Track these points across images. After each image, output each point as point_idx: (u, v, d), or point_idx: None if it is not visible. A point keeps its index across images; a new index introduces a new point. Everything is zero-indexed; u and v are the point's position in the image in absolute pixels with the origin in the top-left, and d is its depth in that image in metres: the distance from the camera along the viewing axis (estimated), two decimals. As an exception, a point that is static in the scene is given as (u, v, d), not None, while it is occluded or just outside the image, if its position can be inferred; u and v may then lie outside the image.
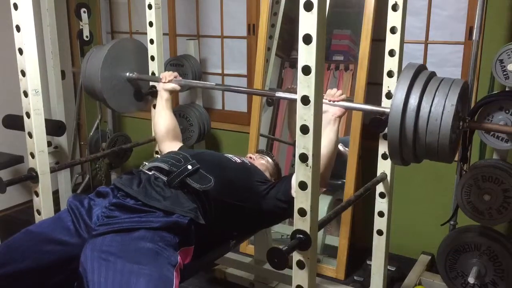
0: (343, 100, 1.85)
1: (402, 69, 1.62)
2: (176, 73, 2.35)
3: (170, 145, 2.18)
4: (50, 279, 1.56)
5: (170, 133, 2.24)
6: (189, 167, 1.73)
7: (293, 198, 1.74)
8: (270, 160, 2.18)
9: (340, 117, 1.84)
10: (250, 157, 2.16)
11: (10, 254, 1.55)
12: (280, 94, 2.00)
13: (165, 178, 1.71)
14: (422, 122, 1.51)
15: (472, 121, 1.67)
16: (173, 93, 2.34)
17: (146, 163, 1.83)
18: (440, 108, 1.49)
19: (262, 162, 2.12)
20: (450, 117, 1.48)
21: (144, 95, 2.54)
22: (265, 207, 1.84)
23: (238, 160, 1.98)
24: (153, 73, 2.54)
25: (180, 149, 2.07)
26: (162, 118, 2.26)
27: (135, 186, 1.67)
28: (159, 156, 1.94)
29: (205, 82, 2.40)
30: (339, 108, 1.82)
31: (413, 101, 1.52)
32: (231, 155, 2.01)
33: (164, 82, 2.30)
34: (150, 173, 1.75)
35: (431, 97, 1.51)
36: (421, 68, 1.62)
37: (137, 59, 2.49)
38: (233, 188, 1.80)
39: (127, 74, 2.42)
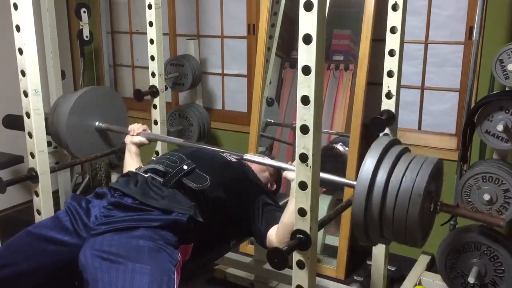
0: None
1: (372, 144, 1.51)
2: (145, 126, 2.23)
3: None
4: (50, 279, 1.56)
5: None
6: (185, 167, 1.73)
7: (265, 244, 1.74)
8: (270, 160, 2.18)
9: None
10: (248, 159, 2.15)
11: (10, 255, 1.55)
12: (247, 156, 1.88)
13: (161, 180, 1.71)
14: (388, 207, 1.40)
15: (445, 205, 1.53)
16: (141, 146, 2.19)
17: (142, 166, 1.84)
18: (407, 195, 1.37)
19: (260, 163, 2.12)
20: (417, 207, 1.36)
21: (144, 95, 2.54)
22: (251, 221, 1.80)
23: (234, 159, 1.98)
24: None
25: (175, 149, 2.07)
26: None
27: (132, 186, 1.68)
28: (154, 158, 1.93)
29: (175, 138, 2.28)
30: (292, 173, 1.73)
31: (379, 184, 1.40)
32: (227, 154, 2.00)
33: (132, 135, 2.18)
34: (146, 175, 1.75)
35: (398, 181, 1.39)
36: (393, 143, 1.51)
37: (108, 108, 2.39)
38: (229, 188, 1.81)
39: (96, 123, 2.33)
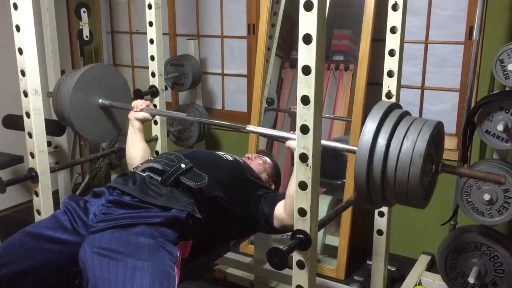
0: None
1: (372, 108, 1.51)
2: (148, 102, 2.23)
3: None
4: (50, 278, 1.56)
5: (142, 160, 2.08)
6: (183, 165, 1.74)
7: (272, 225, 1.77)
8: (268, 160, 2.18)
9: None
10: (248, 157, 2.16)
11: (9, 255, 1.54)
12: (250, 128, 1.90)
13: (159, 178, 1.72)
14: (390, 169, 1.40)
15: (446, 165, 1.52)
16: (144, 122, 2.20)
17: (140, 165, 1.84)
18: (408, 157, 1.38)
19: (259, 162, 2.12)
20: (418, 168, 1.36)
21: (144, 95, 2.53)
22: (253, 212, 1.82)
23: (230, 158, 1.99)
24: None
25: (173, 150, 2.07)
26: (135, 149, 2.11)
27: (131, 184, 1.69)
28: (152, 158, 1.94)
29: (178, 113, 2.29)
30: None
31: (380, 147, 1.40)
32: (223, 153, 2.02)
33: (136, 111, 2.18)
34: (144, 174, 1.75)
35: (399, 143, 1.40)
36: (392, 107, 1.51)
37: (110, 85, 2.37)
38: (227, 185, 1.81)
39: (100, 100, 2.31)
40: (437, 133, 1.46)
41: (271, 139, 3.09)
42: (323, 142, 1.51)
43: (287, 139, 1.74)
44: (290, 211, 1.66)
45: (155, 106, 2.55)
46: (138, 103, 2.19)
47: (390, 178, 1.41)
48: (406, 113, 1.52)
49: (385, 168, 1.40)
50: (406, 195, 1.42)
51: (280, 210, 1.75)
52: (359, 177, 1.44)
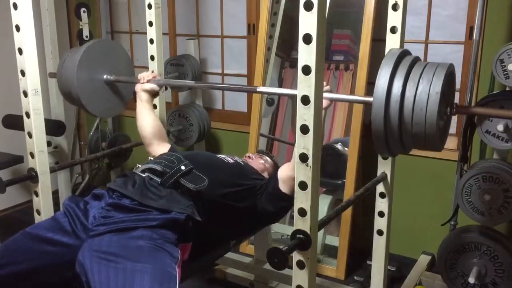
0: (327, 91, 1.80)
1: (385, 56, 1.54)
2: (155, 73, 2.24)
3: (158, 148, 2.12)
4: (48, 280, 1.55)
5: (156, 135, 2.14)
6: (183, 167, 1.74)
7: (281, 191, 1.79)
8: (269, 160, 2.18)
9: (325, 109, 1.84)
10: (249, 157, 2.16)
11: (8, 255, 1.54)
12: (261, 89, 1.89)
13: (159, 180, 1.71)
14: (407, 111, 1.42)
15: (460, 106, 1.54)
16: (152, 93, 2.21)
17: (140, 166, 1.84)
18: (424, 96, 1.40)
19: (260, 162, 2.12)
20: (435, 106, 1.39)
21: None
22: (259, 206, 1.84)
23: (231, 160, 1.98)
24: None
25: (171, 150, 2.07)
26: (146, 121, 2.15)
27: (130, 187, 1.68)
28: (151, 158, 1.93)
29: (186, 81, 2.26)
30: (324, 100, 1.79)
31: (396, 90, 1.43)
32: (224, 156, 2.02)
33: (143, 83, 2.18)
34: (143, 175, 1.75)
35: (415, 85, 1.42)
36: (404, 53, 1.54)
37: (114, 61, 2.35)
38: (227, 188, 1.81)
39: (105, 76, 2.29)
40: (450, 74, 1.49)
41: (273, 134, 3.08)
42: (337, 96, 1.53)
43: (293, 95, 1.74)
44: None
45: (155, 106, 2.54)
46: (145, 75, 2.20)
47: (407, 120, 1.43)
48: (418, 59, 1.54)
49: (402, 110, 1.42)
50: (423, 136, 1.43)
51: (284, 171, 1.78)
52: (377, 123, 1.46)
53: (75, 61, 2.18)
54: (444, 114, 1.50)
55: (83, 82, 2.20)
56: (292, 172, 1.64)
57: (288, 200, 1.79)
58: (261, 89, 1.86)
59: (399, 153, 1.63)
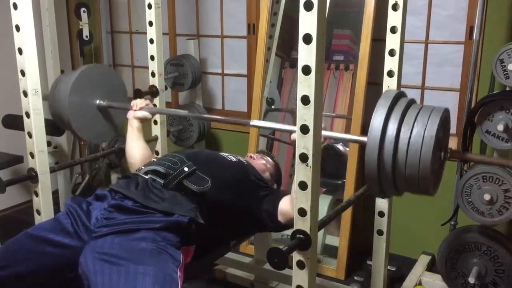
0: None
1: (380, 96, 1.52)
2: (147, 101, 2.21)
3: None
4: (49, 281, 1.55)
5: (143, 162, 2.06)
6: (186, 169, 1.73)
7: (278, 221, 1.75)
8: (270, 160, 2.17)
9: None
10: (251, 157, 2.15)
11: (9, 257, 1.54)
12: (254, 122, 1.87)
13: (162, 181, 1.71)
14: (401, 153, 1.41)
15: (455, 151, 1.53)
16: (144, 121, 2.16)
17: (143, 167, 1.83)
18: (419, 139, 1.39)
19: (262, 162, 2.11)
20: (430, 149, 1.38)
21: (144, 95, 2.53)
22: (257, 213, 1.81)
23: (234, 159, 1.97)
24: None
25: (175, 151, 2.07)
26: (135, 149, 2.09)
27: (133, 188, 1.67)
28: (155, 159, 1.93)
29: (179, 110, 2.26)
30: None
31: (391, 132, 1.41)
32: (227, 154, 2.00)
33: (135, 110, 2.14)
34: (146, 177, 1.74)
35: (410, 128, 1.42)
36: (400, 95, 1.53)
37: (107, 86, 2.34)
38: (230, 188, 1.80)
39: (97, 101, 2.28)
40: (445, 119, 1.49)
41: (273, 133, 3.08)
42: (332, 133, 1.50)
43: (291, 132, 1.74)
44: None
45: (155, 106, 2.54)
46: (137, 102, 2.16)
47: (401, 163, 1.41)
48: (413, 101, 1.53)
49: (396, 152, 1.41)
50: (417, 179, 1.42)
51: (284, 204, 1.74)
52: (370, 164, 1.44)
53: (68, 85, 2.16)
54: (439, 158, 1.49)
55: (75, 106, 2.18)
56: (291, 211, 1.62)
57: (283, 227, 1.79)
58: (255, 122, 1.85)
59: (392, 195, 1.60)
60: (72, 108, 2.17)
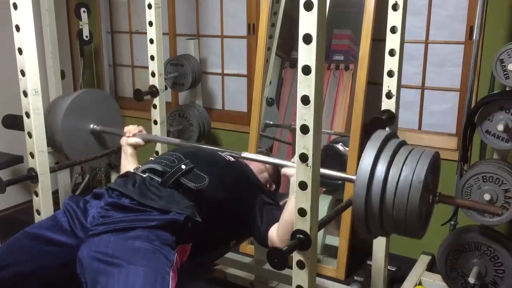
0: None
1: (371, 137, 1.52)
2: (141, 127, 2.22)
3: None
4: (48, 280, 1.55)
5: None
6: (183, 166, 1.73)
7: (266, 243, 1.73)
8: (269, 160, 2.17)
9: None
10: (248, 158, 2.15)
11: (8, 256, 1.55)
12: (245, 154, 1.89)
13: (159, 179, 1.71)
14: (389, 197, 1.41)
15: (444, 196, 1.54)
16: (137, 147, 2.18)
17: (140, 166, 1.83)
18: (407, 184, 1.39)
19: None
20: (417, 195, 1.38)
21: (144, 95, 2.53)
22: (250, 221, 1.80)
23: (232, 159, 1.97)
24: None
25: (173, 149, 2.07)
26: None
27: (130, 186, 1.68)
28: (152, 158, 1.93)
29: (171, 138, 2.30)
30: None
31: (379, 173, 1.42)
32: (224, 153, 2.00)
33: (128, 136, 2.16)
34: (144, 175, 1.74)
35: (398, 171, 1.42)
36: (390, 136, 1.53)
37: (102, 110, 2.37)
38: (228, 187, 1.80)
39: (91, 126, 2.31)
40: (435, 163, 1.48)
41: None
42: (325, 171, 1.51)
43: (283, 166, 1.73)
44: (282, 236, 1.64)
45: (154, 106, 2.54)
46: (130, 128, 2.18)
47: (388, 205, 1.41)
48: (404, 143, 1.53)
49: (384, 194, 1.41)
50: (404, 222, 1.42)
51: (273, 233, 1.71)
52: (358, 203, 1.44)
53: (62, 108, 2.19)
54: (427, 202, 1.49)
55: (69, 130, 2.22)
56: (279, 243, 1.62)
57: (268, 248, 1.74)
58: (245, 154, 1.88)
59: (379, 236, 1.60)
60: (66, 132, 2.22)
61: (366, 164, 1.43)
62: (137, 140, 2.16)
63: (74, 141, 2.27)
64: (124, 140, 2.17)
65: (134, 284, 1.35)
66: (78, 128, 2.27)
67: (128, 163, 2.12)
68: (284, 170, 1.73)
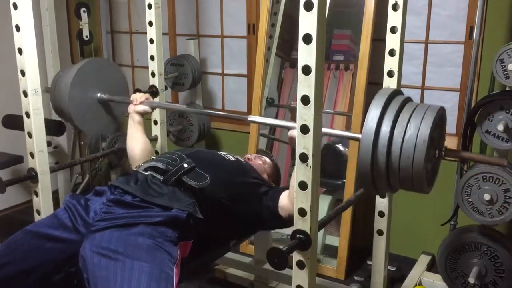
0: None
1: (376, 94, 1.52)
2: (147, 95, 2.24)
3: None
4: (50, 277, 1.55)
5: (144, 157, 2.09)
6: (185, 165, 1.74)
7: (279, 215, 1.76)
8: (268, 160, 2.18)
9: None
10: (248, 158, 2.16)
11: (10, 254, 1.54)
12: (252, 118, 1.91)
13: (161, 177, 1.71)
14: (394, 156, 1.41)
15: (450, 150, 1.54)
16: (144, 115, 2.20)
17: (142, 164, 1.84)
18: (412, 143, 1.39)
19: (259, 163, 2.12)
20: (422, 154, 1.38)
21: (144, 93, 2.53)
22: (257, 210, 1.82)
23: (232, 158, 1.98)
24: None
25: (175, 149, 2.08)
26: (137, 142, 2.12)
27: (132, 183, 1.68)
28: (154, 157, 1.94)
29: (178, 105, 2.30)
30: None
31: (384, 134, 1.41)
32: (225, 153, 2.01)
33: (135, 104, 2.18)
34: (146, 173, 1.75)
35: (403, 130, 1.41)
36: (395, 94, 1.52)
37: (108, 80, 2.36)
38: (229, 186, 1.81)
39: (98, 95, 2.30)
40: (440, 118, 1.48)
41: (273, 133, 3.08)
42: (327, 130, 1.52)
43: (289, 128, 1.74)
44: (294, 199, 1.65)
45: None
46: (137, 96, 2.19)
47: (394, 165, 1.42)
48: (408, 99, 1.53)
49: (389, 154, 1.41)
50: (410, 180, 1.43)
51: (284, 199, 1.75)
52: (363, 163, 1.44)
53: (69, 79, 2.18)
54: (433, 157, 1.49)
55: (76, 100, 2.20)
56: (292, 206, 1.63)
57: (284, 222, 1.78)
58: (252, 118, 1.88)
59: (385, 192, 1.61)
60: (73, 102, 2.20)
61: (371, 123, 1.43)
62: (145, 108, 2.18)
63: (83, 111, 2.25)
64: (131, 108, 2.19)
65: (140, 280, 1.35)
66: (85, 98, 2.26)
67: (135, 131, 2.15)
68: (290, 132, 1.75)
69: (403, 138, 1.40)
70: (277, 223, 1.82)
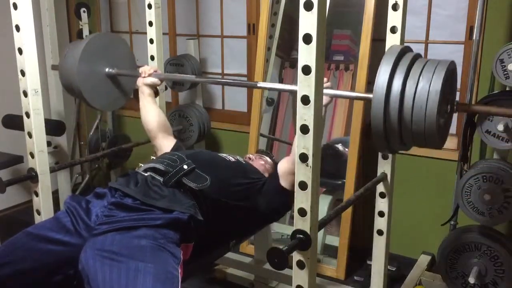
0: (327, 88, 1.82)
1: (386, 52, 1.52)
2: (155, 67, 2.28)
3: (164, 141, 2.15)
4: (49, 279, 1.55)
5: (161, 128, 2.18)
6: (185, 167, 1.74)
7: (282, 187, 1.82)
8: (269, 160, 2.18)
9: (326, 106, 1.86)
10: (249, 158, 2.16)
11: (9, 255, 1.54)
12: (261, 84, 1.93)
13: (161, 179, 1.71)
14: (406, 109, 1.42)
15: (461, 104, 1.54)
16: (153, 87, 2.25)
17: (142, 165, 1.84)
18: (424, 94, 1.39)
19: (261, 163, 2.12)
20: (435, 105, 1.38)
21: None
22: (261, 203, 1.86)
23: (233, 159, 1.99)
24: None
25: (174, 149, 2.08)
26: (150, 115, 2.19)
27: (132, 186, 1.68)
28: (154, 157, 1.94)
29: (186, 75, 2.34)
30: (325, 96, 1.79)
31: (396, 88, 1.42)
32: (225, 154, 2.02)
33: (144, 77, 2.22)
34: (146, 174, 1.75)
35: (415, 83, 1.41)
36: (405, 50, 1.52)
37: (116, 54, 2.36)
38: (229, 187, 1.81)
39: (106, 69, 2.31)
40: (451, 72, 1.48)
41: (273, 134, 3.08)
42: (336, 92, 1.56)
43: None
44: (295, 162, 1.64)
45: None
46: (146, 69, 2.24)
47: (407, 118, 1.42)
48: (419, 56, 1.53)
49: (401, 108, 1.42)
50: (423, 135, 1.43)
51: (282, 165, 1.81)
52: (376, 120, 1.45)
53: (77, 54, 2.19)
54: (445, 112, 1.49)
55: (85, 75, 2.22)
56: (291, 165, 1.65)
57: (289, 195, 1.78)
58: (262, 84, 1.89)
59: (399, 150, 1.62)
60: (82, 77, 2.21)
61: (382, 80, 1.43)
62: (153, 80, 2.22)
63: (92, 86, 2.27)
64: (140, 81, 2.23)
65: (145, 281, 1.35)
66: (94, 72, 2.27)
67: (147, 103, 2.21)
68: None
69: (415, 90, 1.41)
70: (284, 198, 1.85)
